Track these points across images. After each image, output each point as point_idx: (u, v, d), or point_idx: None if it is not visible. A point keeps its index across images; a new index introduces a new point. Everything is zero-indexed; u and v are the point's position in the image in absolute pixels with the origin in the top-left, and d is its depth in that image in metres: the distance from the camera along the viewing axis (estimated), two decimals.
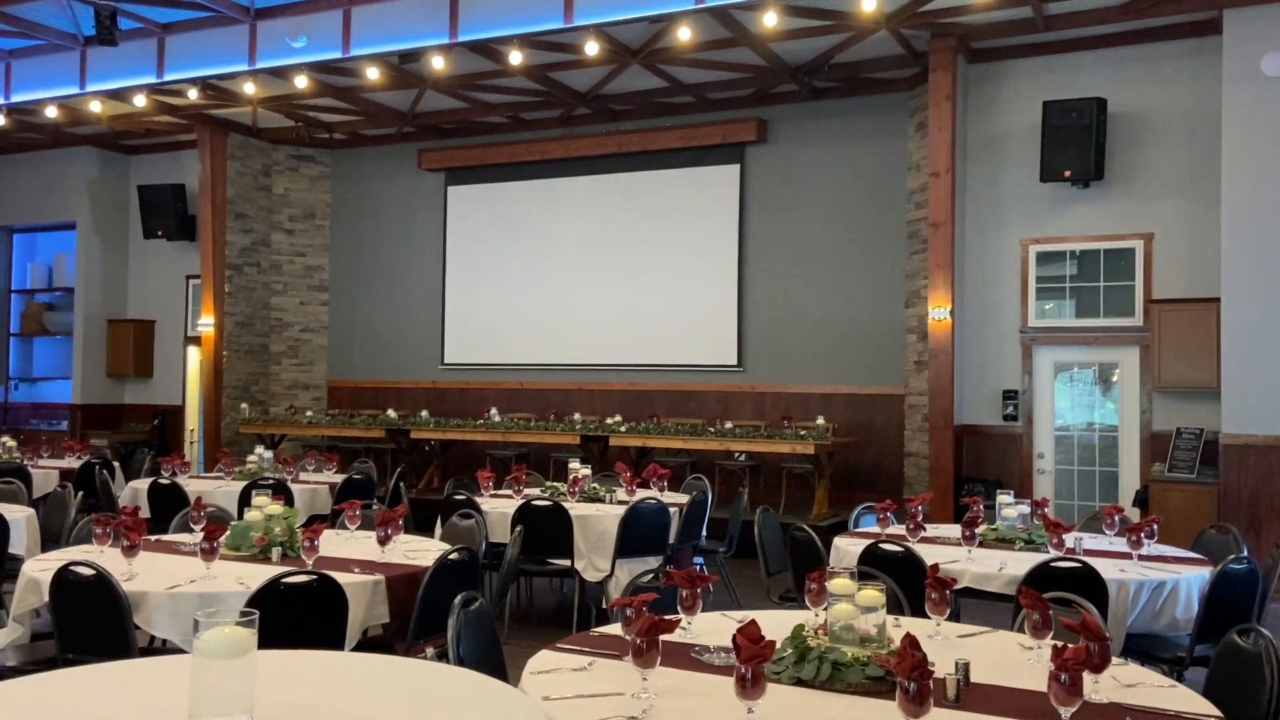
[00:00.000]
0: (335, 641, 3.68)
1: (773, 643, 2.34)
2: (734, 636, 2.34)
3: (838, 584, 2.87)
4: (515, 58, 9.38)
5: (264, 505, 4.59)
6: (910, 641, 2.26)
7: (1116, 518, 5.44)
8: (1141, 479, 9.01)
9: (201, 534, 4.12)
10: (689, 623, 3.18)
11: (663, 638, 2.56)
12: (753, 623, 2.39)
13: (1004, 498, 5.44)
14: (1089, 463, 9.50)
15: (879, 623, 2.80)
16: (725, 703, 2.42)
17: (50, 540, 6.03)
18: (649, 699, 2.50)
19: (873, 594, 2.82)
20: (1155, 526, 5.09)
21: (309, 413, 12.31)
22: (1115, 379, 9.42)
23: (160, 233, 13.38)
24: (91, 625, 3.67)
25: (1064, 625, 2.72)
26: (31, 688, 2.38)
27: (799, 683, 2.66)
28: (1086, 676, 2.54)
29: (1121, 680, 2.75)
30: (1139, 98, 9.14)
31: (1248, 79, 8.13)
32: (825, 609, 2.94)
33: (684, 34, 8.77)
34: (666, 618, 2.57)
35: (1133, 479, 9.19)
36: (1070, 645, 2.38)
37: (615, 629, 3.17)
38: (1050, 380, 9.64)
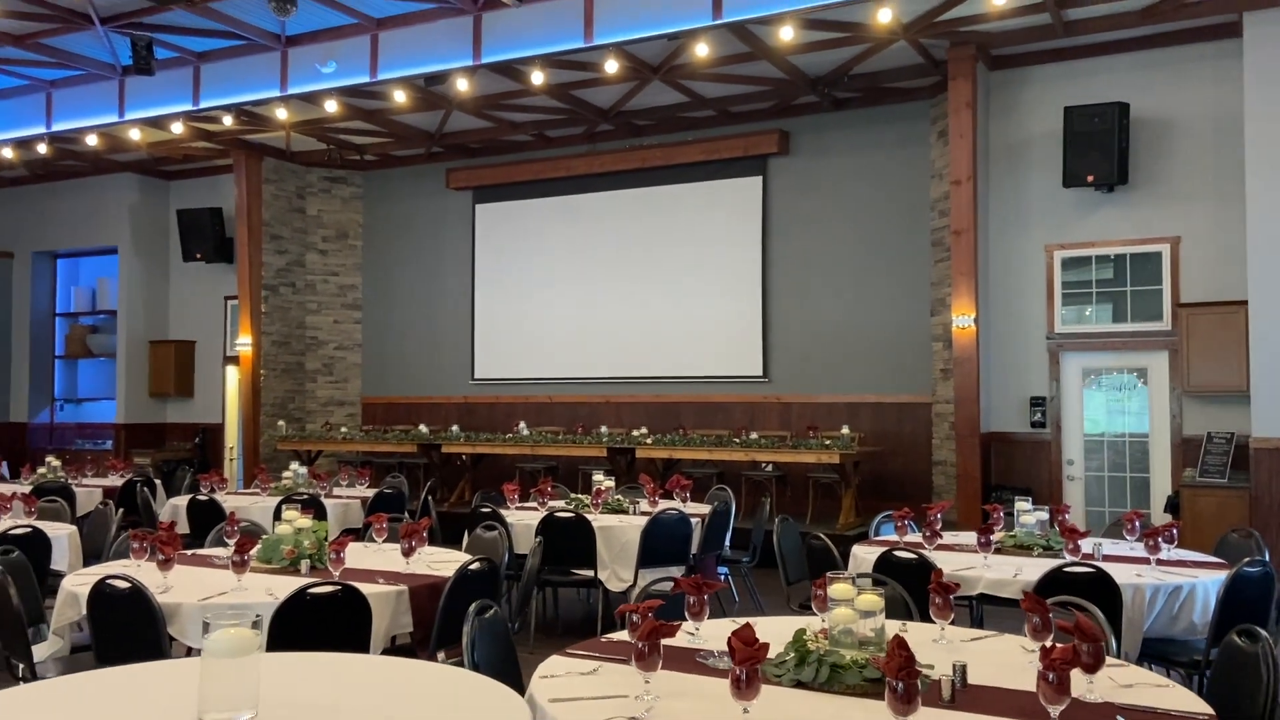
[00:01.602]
0: (360, 649, 3.80)
1: (766, 645, 2.43)
2: (729, 639, 2.43)
3: (837, 589, 2.94)
4: (537, 77, 9.56)
5: (294, 519, 4.74)
6: (898, 642, 2.33)
7: (1136, 523, 5.44)
8: (1173, 484, 8.94)
9: (233, 547, 4.27)
10: (697, 628, 3.27)
11: (671, 643, 2.65)
12: (747, 626, 2.48)
13: (1022, 504, 5.46)
14: (1120, 469, 9.44)
15: (877, 626, 2.87)
16: (724, 704, 2.51)
17: (92, 556, 6.24)
18: (651, 700, 2.59)
19: (871, 598, 2.89)
20: (1175, 531, 5.09)
21: (344, 429, 12.54)
22: (1144, 384, 9.36)
23: (199, 255, 13.72)
24: (127, 636, 3.82)
25: (1058, 627, 2.78)
26: (63, 687, 2.53)
27: (799, 685, 2.74)
28: (1082, 676, 2.60)
29: (1119, 681, 2.80)
30: (1161, 101, 9.12)
31: (1269, 81, 8.09)
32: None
33: (701, 50, 8.89)
34: (667, 623, 2.66)
35: (1164, 484, 9.12)
36: (1060, 645, 2.44)
37: (625, 635, 3.26)
38: (1078, 386, 9.60)
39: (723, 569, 7.21)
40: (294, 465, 8.70)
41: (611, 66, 9.23)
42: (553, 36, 8.98)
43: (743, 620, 3.56)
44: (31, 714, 2.31)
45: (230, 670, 1.92)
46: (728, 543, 7.17)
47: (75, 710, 2.35)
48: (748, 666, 2.38)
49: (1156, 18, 8.58)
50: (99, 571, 4.35)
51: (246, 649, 1.93)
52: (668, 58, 9.61)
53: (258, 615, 2.00)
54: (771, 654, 2.84)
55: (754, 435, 10.13)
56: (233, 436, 13.95)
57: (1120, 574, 4.41)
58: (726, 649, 3.02)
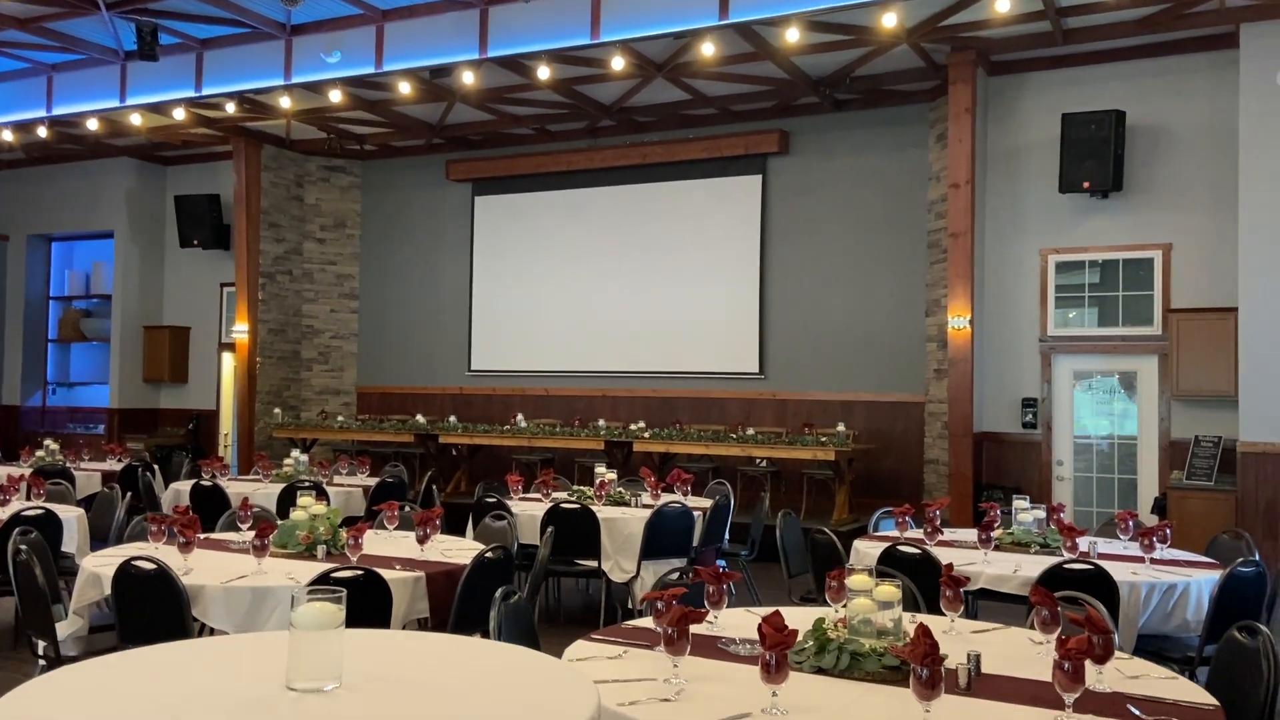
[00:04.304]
0: None
1: (795, 631, 2.53)
2: (760, 625, 2.53)
3: (856, 580, 3.05)
4: (543, 72, 9.62)
5: (309, 506, 4.82)
6: (923, 630, 2.43)
7: (1130, 523, 5.57)
8: (1160, 486, 9.11)
9: (252, 532, 4.35)
10: (715, 617, 3.37)
11: (691, 630, 2.75)
12: (777, 613, 2.58)
13: (1020, 503, 5.59)
14: (1108, 470, 9.61)
15: (895, 617, 2.98)
16: (750, 688, 2.61)
17: (98, 539, 6.29)
18: (680, 683, 2.69)
19: (890, 590, 3.00)
20: (1168, 531, 5.24)
21: (340, 418, 12.58)
22: (1134, 387, 9.53)
23: (195, 241, 13.72)
24: (152, 616, 3.89)
25: (1070, 620, 2.89)
26: (152, 656, 2.65)
27: (819, 671, 2.84)
28: (1091, 667, 2.71)
29: (1126, 673, 2.92)
30: (1157, 110, 9.27)
31: (1264, 92, 8.24)
32: (844, 605, 3.13)
33: (707, 49, 8.98)
34: (695, 609, 2.77)
35: (1151, 486, 9.29)
36: (1074, 637, 2.55)
37: (644, 623, 3.36)
38: (1069, 388, 9.76)
39: (720, 562, 7.31)
40: (295, 453, 8.76)
41: (618, 63, 9.31)
42: (560, 32, 9.04)
43: (746, 609, 3.67)
44: (127, 678, 2.43)
45: (317, 642, 2.01)
46: (726, 536, 7.28)
47: (171, 676, 2.46)
48: (778, 651, 2.48)
49: (1154, 27, 8.72)
50: (119, 553, 4.42)
51: (332, 622, 2.02)
52: (672, 55, 9.69)
53: (342, 590, 2.08)
54: None
55: (751, 431, 10.24)
56: (227, 423, 13.97)
57: (1116, 572, 4.53)
58: (744, 636, 3.15)
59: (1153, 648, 4.57)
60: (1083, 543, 5.09)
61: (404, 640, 2.98)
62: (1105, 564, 4.60)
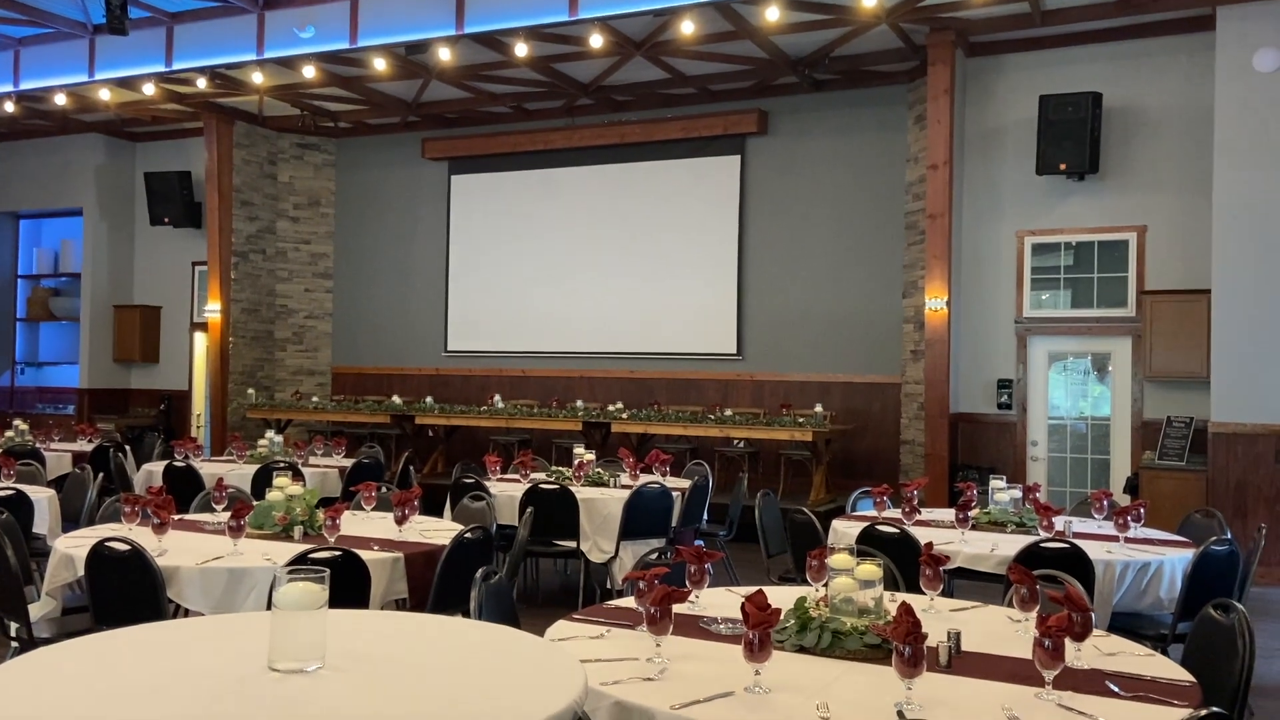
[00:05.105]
0: None
1: (779, 610, 2.53)
2: (743, 604, 2.53)
3: (838, 559, 3.05)
4: (520, 49, 9.52)
5: (285, 486, 4.77)
6: (905, 609, 2.44)
7: (1105, 502, 5.63)
8: (1132, 466, 9.21)
9: (228, 513, 4.30)
10: (696, 596, 3.37)
11: (673, 610, 2.74)
12: (760, 592, 2.58)
13: (996, 483, 5.62)
14: (1081, 450, 9.70)
15: (876, 596, 2.99)
16: (733, 666, 2.61)
17: (70, 520, 6.20)
18: (663, 663, 2.69)
19: (871, 569, 3.01)
20: (1142, 510, 5.28)
21: (314, 398, 12.48)
22: (1108, 369, 9.61)
23: (166, 219, 13.52)
24: (126, 598, 3.85)
25: (1049, 598, 2.91)
26: (84, 647, 2.59)
27: (801, 650, 2.85)
28: (1069, 644, 2.73)
29: (1103, 649, 2.95)
30: (1134, 92, 9.31)
31: (1239, 75, 8.29)
32: (825, 584, 3.13)
33: (687, 27, 8.92)
34: (678, 588, 2.76)
35: (1124, 466, 9.39)
36: (1054, 615, 2.57)
37: (625, 603, 3.36)
38: (1044, 369, 9.83)
39: (699, 542, 7.33)
40: (270, 433, 8.68)
41: (596, 41, 9.22)
42: (537, 8, 8.95)
43: (727, 589, 3.68)
44: (106, 659, 2.40)
45: (300, 622, 1.98)
46: (705, 516, 7.29)
47: (151, 657, 2.42)
48: (761, 630, 2.48)
49: (1132, 9, 8.75)
50: (92, 534, 4.36)
51: (315, 602, 1.99)
52: (651, 33, 9.62)
53: (325, 570, 2.05)
54: None
55: (729, 412, 10.26)
56: (199, 404, 13.82)
57: (1091, 550, 4.58)
58: (726, 616, 3.16)
59: (1126, 625, 4.61)
60: (1058, 522, 5.13)
61: (387, 620, 2.96)
62: (1081, 543, 4.64)
